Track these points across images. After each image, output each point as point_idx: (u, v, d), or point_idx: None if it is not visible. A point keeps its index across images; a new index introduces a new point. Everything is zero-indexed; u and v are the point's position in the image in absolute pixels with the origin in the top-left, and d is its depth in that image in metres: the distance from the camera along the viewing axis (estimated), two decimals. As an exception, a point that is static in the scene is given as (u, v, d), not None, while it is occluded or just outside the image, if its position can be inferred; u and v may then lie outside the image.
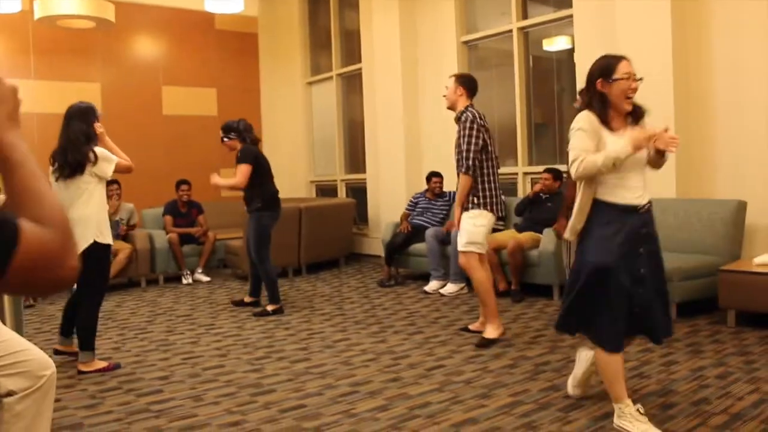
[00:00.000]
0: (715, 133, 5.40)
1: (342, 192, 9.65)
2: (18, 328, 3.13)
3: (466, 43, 7.67)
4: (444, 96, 4.64)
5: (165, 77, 9.53)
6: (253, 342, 4.75)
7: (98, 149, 4.02)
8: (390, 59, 8.12)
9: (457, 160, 4.49)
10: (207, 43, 9.90)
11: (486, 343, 4.40)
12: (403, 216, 7.28)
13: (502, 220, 6.55)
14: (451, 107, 4.60)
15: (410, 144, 8.08)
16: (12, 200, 0.93)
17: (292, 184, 10.08)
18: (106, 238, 4.03)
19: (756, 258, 4.72)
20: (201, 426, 3.13)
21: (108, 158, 4.04)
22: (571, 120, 2.92)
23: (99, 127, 4.12)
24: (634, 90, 2.81)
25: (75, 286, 4.30)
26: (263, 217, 5.61)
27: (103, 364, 4.14)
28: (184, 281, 7.59)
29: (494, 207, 4.48)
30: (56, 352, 4.29)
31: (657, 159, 2.87)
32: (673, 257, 4.75)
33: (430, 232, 6.71)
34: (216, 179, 5.61)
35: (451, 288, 6.35)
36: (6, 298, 3.20)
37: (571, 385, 3.27)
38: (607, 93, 2.81)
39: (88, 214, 3.93)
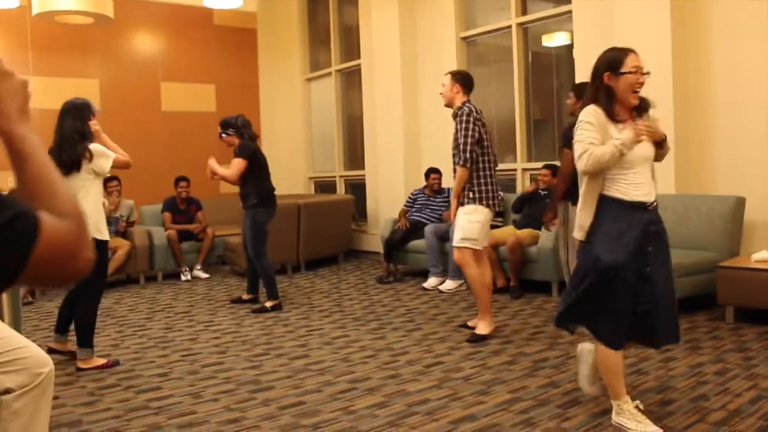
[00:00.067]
0: (714, 129, 5.40)
1: (341, 188, 9.64)
2: (16, 325, 3.12)
3: (465, 39, 7.66)
4: (441, 94, 4.64)
5: (164, 73, 9.52)
6: (252, 339, 4.75)
7: (94, 146, 3.98)
8: (389, 55, 8.11)
9: (454, 155, 4.49)
10: (206, 39, 9.88)
11: (478, 339, 4.41)
12: (402, 212, 7.28)
13: (500, 217, 6.56)
14: (449, 104, 4.60)
15: (409, 140, 8.08)
16: (25, 192, 0.93)
17: (291, 180, 10.07)
18: (104, 234, 4.02)
19: (754, 254, 4.72)
20: (200, 423, 3.13)
21: (105, 154, 4.01)
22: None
23: (94, 125, 4.08)
24: (642, 84, 2.76)
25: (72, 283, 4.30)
26: (259, 213, 5.61)
27: (101, 361, 4.14)
28: (183, 278, 7.58)
29: (490, 202, 4.47)
30: (50, 350, 4.13)
31: (656, 151, 2.85)
32: (672, 253, 4.73)
33: (428, 229, 6.71)
34: (213, 163, 5.59)
35: (449, 285, 6.36)
36: (4, 295, 3.20)
37: (587, 384, 3.11)
38: (614, 87, 2.76)
39: (85, 210, 3.91)
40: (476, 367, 3.87)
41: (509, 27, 7.12)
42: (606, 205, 2.76)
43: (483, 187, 4.45)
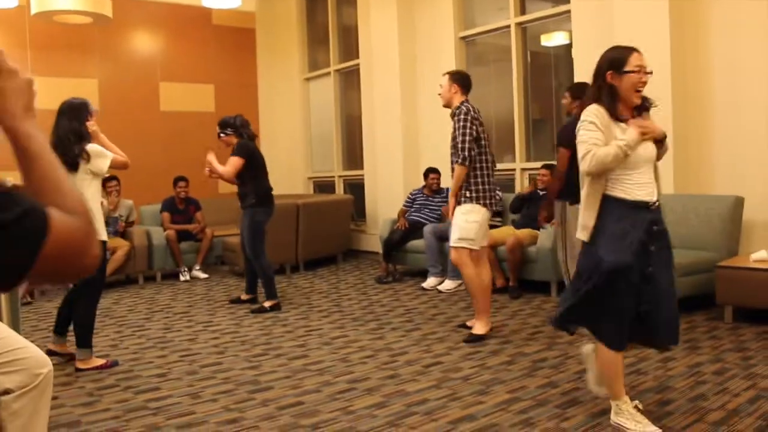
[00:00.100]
0: (713, 129, 5.40)
1: (339, 188, 9.64)
2: (15, 326, 3.12)
3: (464, 38, 7.66)
4: (439, 94, 4.64)
5: (162, 73, 9.51)
6: (251, 339, 4.74)
7: (91, 146, 3.96)
8: (388, 55, 8.11)
9: (452, 154, 4.49)
10: (204, 38, 9.87)
11: (474, 339, 4.42)
12: (401, 212, 7.28)
13: (499, 217, 6.56)
14: (447, 105, 4.61)
15: (408, 140, 8.08)
16: (32, 190, 0.93)
17: (290, 180, 10.07)
18: (102, 234, 4.01)
19: (753, 254, 4.73)
20: (199, 423, 3.13)
21: (102, 154, 3.99)
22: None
23: (92, 125, 4.06)
24: (644, 83, 2.73)
25: (71, 285, 4.30)
26: (257, 213, 5.61)
27: (100, 361, 4.13)
28: (182, 278, 7.58)
29: (487, 201, 4.47)
30: (49, 352, 4.04)
31: (657, 150, 2.84)
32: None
33: (427, 229, 6.71)
34: (211, 158, 5.59)
35: (448, 284, 6.36)
36: (2, 296, 3.20)
37: (596, 384, 3.06)
38: (617, 85, 2.73)
39: None
40: (475, 367, 3.88)
41: (508, 27, 7.13)
42: (609, 205, 2.73)
43: (480, 187, 4.45)
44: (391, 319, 5.24)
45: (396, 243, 7.02)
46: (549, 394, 3.36)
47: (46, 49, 8.54)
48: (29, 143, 0.95)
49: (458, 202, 4.49)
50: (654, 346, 2.99)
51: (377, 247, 7.70)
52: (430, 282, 6.54)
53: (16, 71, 0.99)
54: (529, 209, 6.22)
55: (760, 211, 5.18)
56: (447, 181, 6.86)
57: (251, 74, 10.36)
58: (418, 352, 4.25)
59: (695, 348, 4.05)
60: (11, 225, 0.83)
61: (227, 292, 6.73)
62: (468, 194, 4.44)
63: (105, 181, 6.77)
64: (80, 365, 4.05)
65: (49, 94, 8.03)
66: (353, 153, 9.45)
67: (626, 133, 2.68)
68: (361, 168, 8.98)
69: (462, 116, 4.42)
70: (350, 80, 9.38)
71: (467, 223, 4.44)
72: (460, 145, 4.39)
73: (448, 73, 4.68)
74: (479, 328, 4.48)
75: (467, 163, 4.39)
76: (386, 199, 8.23)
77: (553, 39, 7.09)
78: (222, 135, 5.73)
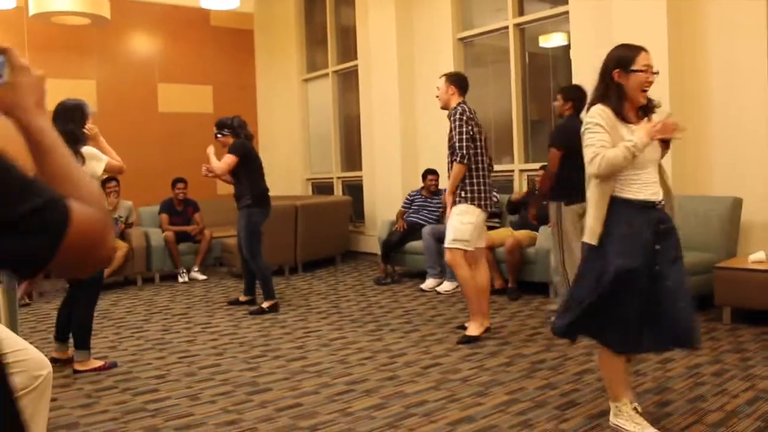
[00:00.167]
0: (711, 130, 5.41)
1: (338, 189, 9.64)
2: (13, 327, 3.12)
3: (462, 39, 7.66)
4: (437, 97, 4.65)
5: (161, 74, 9.51)
6: (250, 340, 4.74)
7: (86, 149, 3.94)
8: (386, 56, 8.11)
9: (449, 154, 4.49)
10: (203, 40, 9.87)
11: (468, 341, 4.42)
12: (399, 214, 7.28)
13: (497, 218, 6.57)
14: (445, 106, 4.62)
15: (406, 141, 8.08)
16: (48, 183, 0.94)
17: (288, 181, 10.07)
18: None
19: (751, 255, 4.73)
20: (197, 425, 3.13)
21: (97, 157, 3.97)
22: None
23: (92, 128, 4.04)
24: (651, 83, 2.71)
25: (69, 286, 4.29)
26: (253, 214, 5.62)
27: (98, 363, 4.12)
28: (181, 279, 7.57)
29: (482, 202, 4.47)
30: (53, 360, 4.00)
31: (662, 149, 2.82)
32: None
33: (426, 230, 6.71)
34: (210, 150, 5.68)
35: (447, 286, 6.36)
36: (0, 297, 3.19)
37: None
38: (624, 84, 2.70)
39: None
40: (474, 368, 3.87)
41: (506, 28, 7.13)
42: (617, 207, 2.69)
43: (476, 187, 4.45)
44: (390, 320, 5.24)
45: (394, 244, 7.02)
46: (548, 395, 3.36)
47: (44, 50, 8.52)
48: (42, 137, 0.96)
49: (454, 202, 4.50)
50: (677, 345, 2.85)
51: (376, 248, 7.70)
52: (428, 283, 6.54)
53: (28, 68, 1.01)
54: (527, 210, 6.22)
55: (759, 212, 5.18)
56: (445, 183, 6.88)
57: (249, 75, 10.36)
58: (417, 353, 4.25)
59: (693, 349, 4.04)
60: (32, 215, 0.83)
61: (226, 293, 6.73)
62: (463, 194, 4.45)
63: (104, 182, 6.77)
64: (78, 367, 4.05)
65: (48, 95, 8.04)
66: (352, 154, 9.45)
67: (634, 134, 2.64)
68: (360, 169, 8.98)
69: (457, 116, 4.43)
70: (348, 81, 9.38)
71: (462, 224, 4.44)
72: (457, 144, 4.40)
73: (445, 75, 4.69)
74: (473, 329, 4.48)
75: (466, 161, 4.39)
76: (385, 201, 8.23)
77: (552, 40, 7.10)
78: (219, 136, 5.75)
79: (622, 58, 2.71)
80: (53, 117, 3.96)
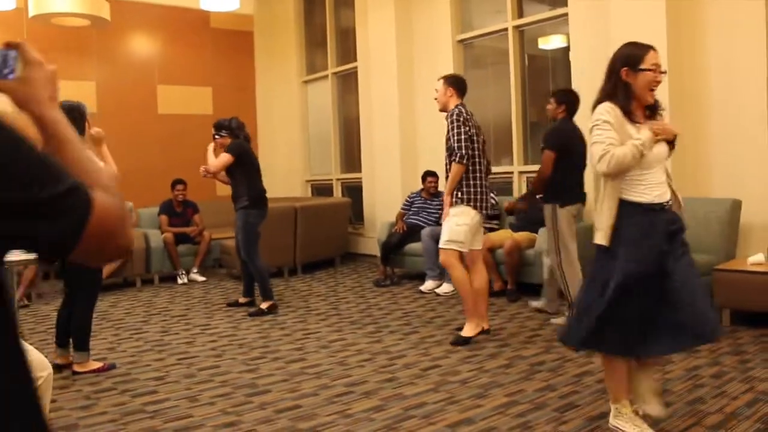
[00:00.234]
0: (710, 132, 5.41)
1: (337, 191, 9.64)
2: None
3: (461, 41, 7.67)
4: (435, 99, 4.66)
5: (160, 76, 9.51)
6: (249, 342, 4.74)
7: None
8: (385, 58, 8.12)
9: (447, 156, 4.50)
10: (202, 41, 9.87)
11: (461, 341, 4.42)
12: (399, 215, 7.28)
13: (497, 219, 6.57)
14: (443, 108, 4.62)
15: (406, 143, 8.08)
16: None
17: (288, 183, 10.07)
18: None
19: (750, 257, 4.73)
20: (196, 427, 3.12)
21: None
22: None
23: (100, 132, 3.97)
24: (659, 82, 2.69)
25: (68, 287, 4.28)
26: (250, 215, 5.63)
27: (98, 364, 4.12)
28: (180, 281, 7.57)
29: (478, 204, 4.48)
30: (57, 366, 3.98)
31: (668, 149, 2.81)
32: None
33: (425, 232, 6.70)
34: (210, 147, 5.76)
35: (446, 288, 6.35)
36: None
37: (643, 403, 2.84)
38: (631, 83, 2.67)
39: None
40: (473, 370, 3.87)
41: (505, 30, 7.13)
42: (625, 210, 2.66)
43: (472, 189, 4.45)
44: (389, 322, 5.24)
45: (394, 246, 7.02)
46: (547, 397, 3.36)
47: (44, 51, 8.28)
48: (57, 128, 0.98)
49: (452, 203, 4.50)
50: (697, 342, 2.83)
51: (375, 250, 7.70)
52: (428, 285, 6.54)
53: (41, 62, 1.03)
54: (527, 212, 6.21)
55: (758, 214, 5.18)
56: (444, 185, 6.88)
57: (249, 77, 10.36)
58: (416, 355, 4.24)
59: (693, 351, 4.04)
60: (56, 201, 0.84)
61: (225, 295, 6.72)
62: (460, 195, 4.45)
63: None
64: (77, 368, 4.04)
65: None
66: (351, 156, 9.45)
67: (640, 132, 2.63)
68: (359, 171, 8.98)
69: (454, 118, 4.45)
70: (348, 83, 9.39)
71: (457, 225, 4.45)
72: (455, 145, 4.41)
73: (443, 77, 4.70)
74: (467, 330, 4.48)
75: (465, 161, 4.40)
76: (384, 202, 8.23)
77: (551, 42, 7.10)
78: (217, 137, 5.77)
79: (631, 57, 2.69)
80: None
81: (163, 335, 5.06)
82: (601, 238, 2.68)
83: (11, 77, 0.98)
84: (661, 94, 5.27)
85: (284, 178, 10.00)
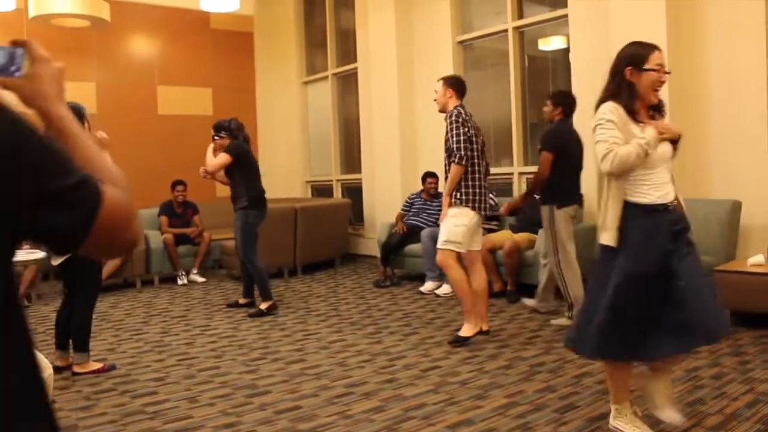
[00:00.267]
0: (710, 133, 5.41)
1: (337, 192, 9.64)
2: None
3: (461, 42, 7.67)
4: (435, 100, 4.66)
5: (160, 77, 9.51)
6: (249, 343, 4.74)
7: None
8: (385, 59, 8.12)
9: (446, 157, 4.50)
10: (202, 42, 9.87)
11: (459, 342, 4.42)
12: (399, 216, 7.28)
13: (496, 220, 6.56)
14: (443, 110, 4.63)
15: (406, 144, 8.08)
16: None
17: (288, 184, 10.07)
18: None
19: (750, 258, 4.73)
20: (196, 428, 3.12)
21: None
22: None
23: (104, 136, 3.95)
24: (663, 83, 2.69)
25: (67, 288, 4.28)
26: (249, 215, 5.64)
27: (97, 365, 4.12)
28: (180, 282, 7.57)
29: (476, 205, 4.48)
30: (57, 368, 3.95)
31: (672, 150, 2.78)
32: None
33: (425, 233, 6.70)
34: (209, 149, 5.77)
35: (446, 289, 6.35)
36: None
37: (658, 410, 2.81)
38: (635, 83, 2.66)
39: None
40: (473, 371, 3.87)
41: (505, 31, 7.13)
42: (629, 210, 2.64)
43: (471, 190, 4.46)
44: (389, 323, 5.24)
45: (394, 247, 7.02)
46: (547, 398, 3.36)
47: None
48: (64, 124, 0.99)
49: (450, 204, 4.50)
50: (705, 341, 2.82)
51: (375, 251, 7.70)
52: (428, 286, 6.54)
53: (48, 59, 1.05)
54: (526, 213, 6.21)
55: (758, 215, 5.18)
56: (443, 186, 6.87)
57: (249, 78, 10.36)
58: (416, 356, 4.24)
59: (693, 352, 4.04)
60: (66, 194, 0.85)
61: (225, 295, 6.72)
62: (458, 196, 4.46)
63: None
64: (77, 369, 4.04)
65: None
66: (351, 157, 9.45)
67: (645, 131, 2.62)
68: (359, 172, 8.98)
69: (453, 119, 4.45)
70: (348, 84, 9.39)
71: (455, 226, 4.45)
72: (455, 146, 4.41)
73: (442, 78, 4.70)
74: (465, 330, 4.48)
75: (464, 162, 4.40)
76: (384, 203, 8.23)
77: (551, 43, 7.11)
78: (216, 138, 5.78)
79: (635, 56, 2.68)
80: None
81: (163, 336, 5.06)
82: (608, 238, 2.66)
83: (18, 74, 0.99)
84: (661, 94, 5.29)
85: (284, 178, 10.00)
